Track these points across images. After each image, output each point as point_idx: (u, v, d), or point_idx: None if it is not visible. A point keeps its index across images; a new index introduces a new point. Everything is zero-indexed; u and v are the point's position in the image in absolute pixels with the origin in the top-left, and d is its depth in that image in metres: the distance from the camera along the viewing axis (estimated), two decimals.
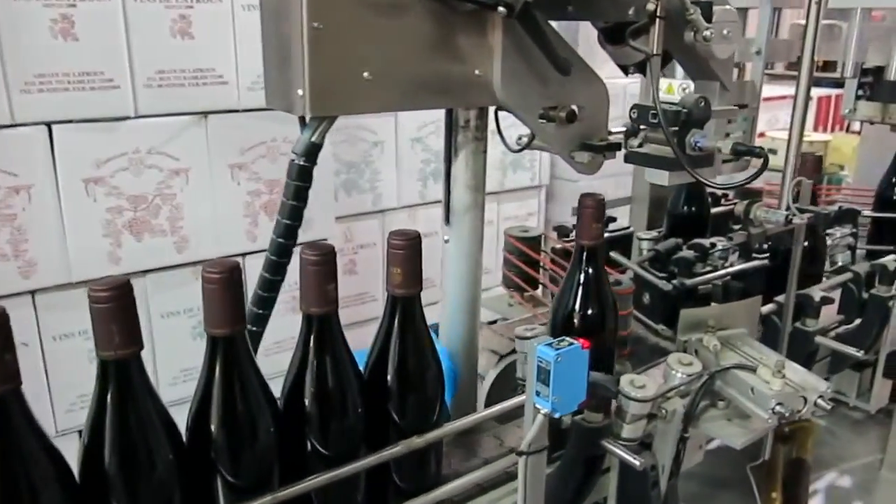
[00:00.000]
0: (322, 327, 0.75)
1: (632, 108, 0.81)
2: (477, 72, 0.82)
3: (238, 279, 0.67)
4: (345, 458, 0.73)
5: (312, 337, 0.75)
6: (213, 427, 0.68)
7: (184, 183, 1.74)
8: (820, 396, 0.86)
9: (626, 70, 0.87)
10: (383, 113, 2.12)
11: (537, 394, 0.66)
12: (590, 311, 0.93)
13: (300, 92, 0.71)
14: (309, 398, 0.73)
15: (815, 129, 3.28)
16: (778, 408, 0.85)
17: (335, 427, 0.73)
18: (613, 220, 1.44)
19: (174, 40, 1.65)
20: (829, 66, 1.44)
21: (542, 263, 1.32)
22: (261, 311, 0.82)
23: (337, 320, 0.77)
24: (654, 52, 0.75)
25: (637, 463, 0.78)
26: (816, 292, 1.08)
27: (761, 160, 0.75)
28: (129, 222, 1.69)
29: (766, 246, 1.34)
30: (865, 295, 1.21)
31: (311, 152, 0.78)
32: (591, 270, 0.92)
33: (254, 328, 0.83)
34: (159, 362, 1.80)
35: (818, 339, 1.07)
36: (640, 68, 0.85)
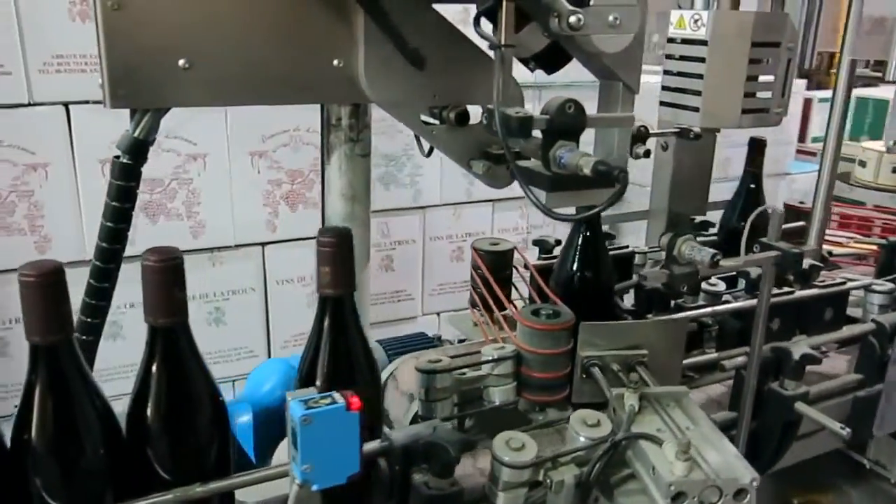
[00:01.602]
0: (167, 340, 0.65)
1: (483, 111, 0.67)
2: (336, 62, 0.71)
3: (60, 283, 0.60)
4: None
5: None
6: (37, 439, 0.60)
7: (201, 168, 1.73)
8: (740, 491, 0.69)
9: (526, 63, 0.73)
10: None
11: (294, 459, 0.55)
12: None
13: (100, 81, 0.64)
14: (150, 414, 0.64)
15: None
16: (678, 498, 0.69)
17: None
18: (612, 237, 1.28)
19: None
20: None
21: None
22: (90, 320, 0.76)
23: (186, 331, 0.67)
24: (502, 42, 0.62)
25: None
26: (800, 347, 0.88)
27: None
28: (145, 205, 1.70)
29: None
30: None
31: (135, 149, 0.71)
32: None
33: (85, 337, 0.77)
34: None
35: (798, 406, 0.88)
36: (542, 62, 0.71)
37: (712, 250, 0.73)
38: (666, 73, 1.08)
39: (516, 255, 1.19)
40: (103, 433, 0.63)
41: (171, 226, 1.73)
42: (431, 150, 0.83)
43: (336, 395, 0.54)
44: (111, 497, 0.63)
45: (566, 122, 0.60)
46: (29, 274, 0.57)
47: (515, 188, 0.81)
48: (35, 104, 1.55)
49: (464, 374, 0.94)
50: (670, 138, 1.37)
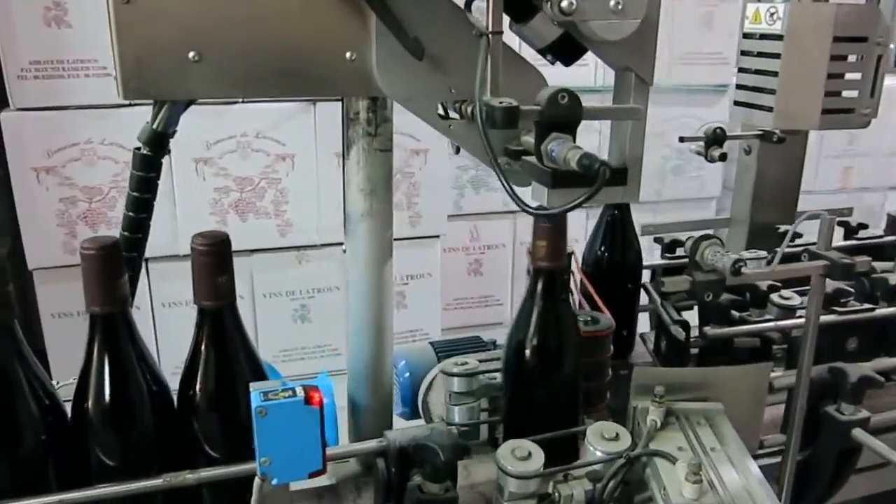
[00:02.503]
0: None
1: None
2: (349, 55, 0.70)
3: (116, 256, 0.64)
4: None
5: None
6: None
7: (289, 168, 1.77)
8: None
9: (543, 55, 0.69)
10: None
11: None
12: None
13: (114, 73, 0.66)
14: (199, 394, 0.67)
15: None
16: None
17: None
18: (681, 244, 1.21)
19: None
20: None
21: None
22: None
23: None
24: (489, 28, 0.58)
25: None
26: (860, 368, 0.79)
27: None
28: (235, 203, 1.76)
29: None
30: None
31: (155, 141, 0.72)
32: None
33: None
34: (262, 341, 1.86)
35: (856, 433, 0.78)
36: (557, 53, 0.66)
37: (736, 255, 0.66)
38: (741, 70, 1.00)
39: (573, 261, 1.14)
40: (156, 402, 0.67)
41: (260, 224, 1.78)
42: (459, 147, 0.80)
43: (298, 389, 0.53)
44: (158, 465, 0.65)
45: (558, 113, 0.56)
46: (89, 247, 0.62)
47: None
48: (133, 104, 1.63)
49: (494, 378, 0.90)
50: (753, 141, 1.28)
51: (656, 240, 1.21)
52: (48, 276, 1.69)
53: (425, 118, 0.74)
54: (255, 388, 0.54)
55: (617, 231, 1.12)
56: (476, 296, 2.15)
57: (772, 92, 0.94)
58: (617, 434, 0.73)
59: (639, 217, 2.20)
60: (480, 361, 0.88)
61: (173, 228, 1.73)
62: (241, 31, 0.67)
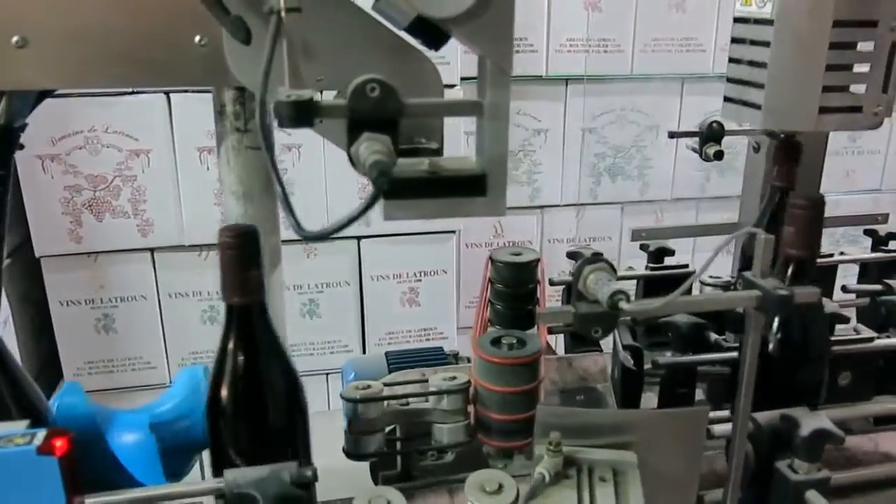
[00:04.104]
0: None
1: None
2: (198, 39, 0.62)
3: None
4: None
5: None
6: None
7: (296, 159, 1.71)
8: None
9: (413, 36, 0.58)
10: (549, 98, 1.89)
11: None
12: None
13: None
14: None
15: None
16: None
17: None
18: (671, 253, 1.07)
19: None
20: None
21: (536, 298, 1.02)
22: None
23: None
24: (282, 4, 0.48)
25: None
26: (816, 418, 0.64)
27: None
28: None
29: None
30: None
31: (2, 135, 0.66)
32: None
33: None
34: None
35: (810, 497, 0.64)
36: (419, 35, 0.55)
37: (618, 286, 0.54)
38: (731, 61, 0.86)
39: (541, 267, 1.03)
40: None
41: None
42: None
43: (40, 434, 0.45)
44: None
45: (367, 108, 0.46)
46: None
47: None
48: (138, 92, 1.61)
49: (407, 404, 0.81)
50: (762, 138, 1.12)
51: (642, 247, 1.07)
52: (55, 264, 1.69)
53: None
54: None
55: None
56: None
57: (760, 86, 0.79)
58: (500, 486, 0.62)
59: (677, 217, 2.04)
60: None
61: (178, 218, 1.70)
62: (70, 12, 0.60)
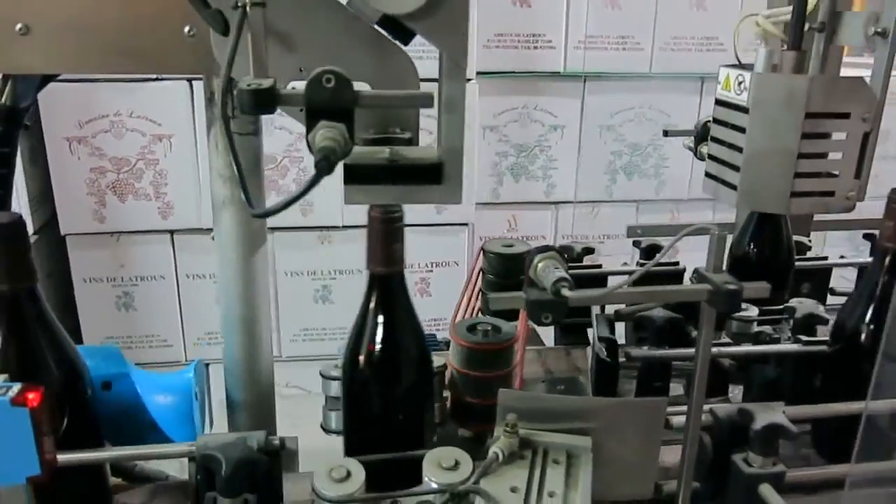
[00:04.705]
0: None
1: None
2: (188, 29, 0.65)
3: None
4: None
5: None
6: None
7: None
8: None
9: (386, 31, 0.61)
10: (566, 95, 1.90)
11: None
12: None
13: None
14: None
15: None
16: None
17: None
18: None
19: None
20: None
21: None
22: None
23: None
24: (246, 0, 0.51)
25: None
26: (771, 412, 0.66)
27: None
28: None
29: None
30: None
31: (7, 116, 0.70)
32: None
33: None
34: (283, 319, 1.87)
35: (763, 490, 0.66)
36: (390, 29, 0.58)
37: (562, 274, 0.56)
38: (713, 140, 0.87)
39: None
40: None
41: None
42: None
43: (14, 388, 0.49)
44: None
45: (323, 98, 0.49)
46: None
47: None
48: (162, 79, 1.66)
49: None
50: None
51: (635, 243, 1.09)
52: (79, 243, 1.75)
53: None
54: None
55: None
56: None
57: (737, 169, 0.80)
58: (456, 462, 0.65)
59: (693, 216, 2.04)
60: None
61: (198, 203, 1.75)
62: (68, 1, 0.64)
